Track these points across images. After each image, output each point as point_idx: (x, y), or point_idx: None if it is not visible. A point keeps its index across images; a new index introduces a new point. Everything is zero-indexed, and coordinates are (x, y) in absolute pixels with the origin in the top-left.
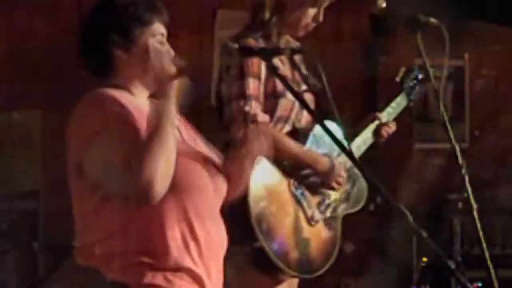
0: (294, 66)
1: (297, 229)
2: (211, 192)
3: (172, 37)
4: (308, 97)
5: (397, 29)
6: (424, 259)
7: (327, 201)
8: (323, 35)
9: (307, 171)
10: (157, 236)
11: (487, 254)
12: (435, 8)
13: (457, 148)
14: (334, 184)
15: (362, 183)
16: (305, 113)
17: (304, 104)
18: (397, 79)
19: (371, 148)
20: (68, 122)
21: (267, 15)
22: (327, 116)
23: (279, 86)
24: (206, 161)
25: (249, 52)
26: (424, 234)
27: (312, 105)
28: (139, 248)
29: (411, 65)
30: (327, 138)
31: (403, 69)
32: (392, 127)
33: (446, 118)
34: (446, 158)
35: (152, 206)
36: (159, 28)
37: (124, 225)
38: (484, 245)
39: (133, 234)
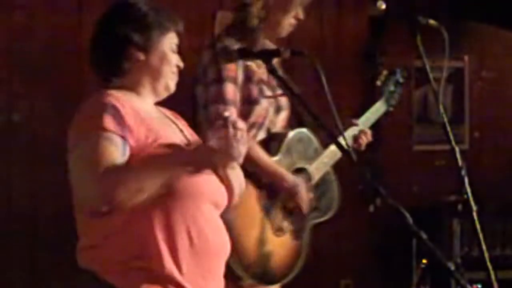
0: (271, 70)
1: (262, 240)
2: (213, 199)
3: None
4: (283, 102)
5: (397, 30)
6: (424, 261)
7: (295, 211)
8: (323, 37)
9: (277, 192)
10: (156, 241)
11: (486, 255)
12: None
13: (457, 150)
14: (294, 205)
15: (333, 191)
16: (280, 117)
17: (305, 106)
18: (378, 83)
19: (371, 151)
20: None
21: (255, 21)
22: (302, 121)
23: (254, 92)
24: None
25: (249, 54)
26: (424, 236)
27: (287, 110)
28: (136, 253)
29: (393, 69)
30: (299, 146)
31: (384, 73)
32: (368, 136)
33: (446, 119)
34: (446, 160)
35: (153, 210)
36: (174, 38)
37: (118, 231)
38: (484, 247)
39: (128, 240)
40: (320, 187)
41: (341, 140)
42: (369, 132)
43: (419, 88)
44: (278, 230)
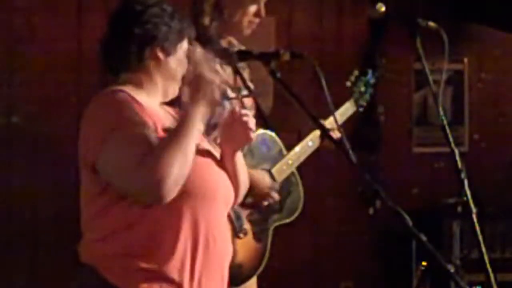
0: (236, 71)
1: None
2: (222, 199)
3: None
4: (248, 102)
5: (396, 33)
6: (424, 263)
7: (257, 213)
8: (323, 39)
9: None
10: (166, 239)
11: (486, 257)
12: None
13: (457, 152)
14: (262, 204)
15: (297, 193)
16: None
17: (303, 107)
18: (348, 83)
19: (371, 153)
20: (81, 122)
21: (206, 20)
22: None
23: (195, 55)
24: (218, 164)
25: (247, 56)
26: (423, 238)
27: (252, 110)
28: (141, 251)
29: (364, 69)
30: (262, 148)
31: (355, 73)
32: (338, 134)
33: (445, 122)
34: (445, 162)
35: (163, 210)
36: (186, 43)
37: (129, 226)
38: (484, 249)
39: (137, 237)
40: (283, 189)
41: (339, 141)
42: (337, 132)
43: (419, 90)
44: (240, 232)
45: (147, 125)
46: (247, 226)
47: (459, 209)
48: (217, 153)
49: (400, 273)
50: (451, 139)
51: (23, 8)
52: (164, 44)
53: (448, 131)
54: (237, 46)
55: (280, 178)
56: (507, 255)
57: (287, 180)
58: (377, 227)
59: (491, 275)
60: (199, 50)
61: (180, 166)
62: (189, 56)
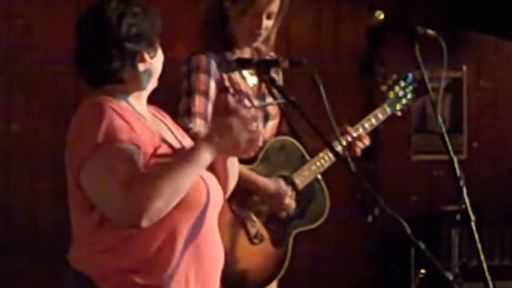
0: (262, 78)
1: (235, 248)
2: (213, 206)
3: (168, 49)
4: (273, 111)
5: (395, 40)
6: (422, 271)
7: (276, 218)
8: (321, 47)
9: (253, 200)
10: (161, 255)
11: (485, 265)
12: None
13: (455, 160)
14: (279, 210)
15: (321, 200)
16: (268, 126)
17: (303, 115)
18: (384, 87)
19: (369, 161)
20: (68, 132)
21: (211, 29)
22: (293, 129)
23: (232, 103)
24: (208, 170)
25: (247, 63)
26: (422, 246)
27: (276, 119)
28: (138, 267)
29: (404, 73)
30: (281, 154)
31: (394, 77)
32: (365, 141)
33: (444, 129)
34: (444, 170)
35: (159, 225)
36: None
37: (122, 242)
38: (482, 257)
39: (131, 252)
40: (305, 195)
41: (338, 149)
42: (366, 137)
43: (418, 98)
44: (255, 238)
45: (134, 144)
46: (262, 232)
47: (458, 217)
48: None
49: (398, 281)
50: (450, 147)
51: (22, 15)
52: (149, 45)
53: (447, 138)
54: (265, 53)
55: (302, 184)
56: (506, 262)
57: (310, 186)
58: (375, 235)
59: (490, 283)
60: (232, 99)
61: (166, 201)
62: (223, 105)
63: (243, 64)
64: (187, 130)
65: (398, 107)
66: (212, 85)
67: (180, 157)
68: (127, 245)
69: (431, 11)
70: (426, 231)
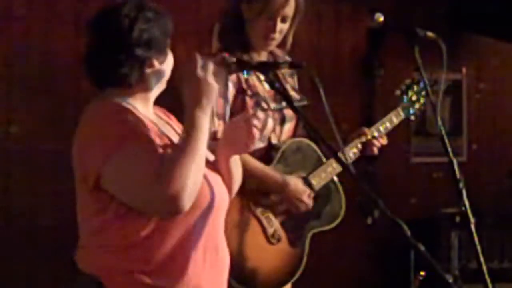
0: (278, 80)
1: (254, 248)
2: (220, 206)
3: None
4: (289, 113)
5: (395, 43)
6: (422, 273)
7: (293, 219)
8: (321, 49)
9: (271, 198)
10: (175, 257)
11: (484, 268)
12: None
13: (455, 162)
14: (295, 209)
15: (337, 201)
16: (285, 128)
17: (303, 118)
18: (397, 92)
19: (369, 163)
20: (77, 135)
21: (229, 30)
22: (311, 130)
23: (250, 104)
24: (214, 171)
25: (247, 65)
26: (422, 248)
27: (293, 120)
28: (148, 267)
29: (417, 78)
30: (297, 156)
31: (406, 82)
32: (382, 141)
33: (443, 132)
34: (443, 172)
35: (169, 226)
36: (169, 39)
37: (135, 242)
38: (482, 259)
39: (143, 252)
40: (322, 196)
41: (338, 153)
42: (384, 137)
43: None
44: (272, 238)
45: (152, 137)
46: (280, 232)
47: (458, 219)
48: (209, 154)
49: (398, 283)
50: (449, 149)
51: (22, 18)
52: (158, 52)
53: (446, 141)
54: (281, 56)
55: (318, 185)
56: (506, 265)
57: (326, 188)
58: (375, 237)
59: (490, 285)
60: (249, 101)
61: (194, 176)
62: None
63: (243, 65)
64: None
65: (411, 111)
66: (230, 87)
67: (184, 133)
68: (137, 247)
69: (431, 13)
70: (426, 234)
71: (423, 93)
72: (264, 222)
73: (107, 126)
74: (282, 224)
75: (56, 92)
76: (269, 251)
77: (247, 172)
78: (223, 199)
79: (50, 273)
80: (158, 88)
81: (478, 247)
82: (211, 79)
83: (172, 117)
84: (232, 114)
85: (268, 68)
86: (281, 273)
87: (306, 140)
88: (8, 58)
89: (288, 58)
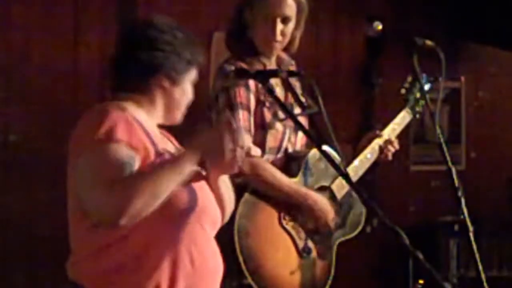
0: (288, 87)
1: (287, 262)
2: (209, 219)
3: None
4: (302, 120)
5: (393, 51)
6: (421, 281)
7: (320, 231)
8: (320, 57)
9: (301, 215)
10: (148, 259)
11: (483, 276)
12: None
13: (454, 170)
14: (324, 227)
15: (358, 208)
16: (299, 136)
17: (301, 128)
18: (402, 91)
19: (368, 171)
20: (69, 139)
21: (234, 36)
22: (323, 139)
23: (268, 116)
24: (205, 184)
25: (245, 74)
26: (421, 256)
27: (305, 127)
28: (124, 270)
29: (417, 74)
30: (320, 165)
31: (409, 79)
32: (395, 144)
33: (442, 140)
34: (442, 180)
35: (150, 230)
36: (195, 72)
37: (110, 246)
38: (480, 267)
39: (119, 256)
40: (345, 204)
41: (335, 158)
42: (395, 141)
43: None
44: (303, 251)
45: (133, 148)
46: (309, 245)
47: (456, 227)
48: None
49: None
50: (448, 157)
51: (20, 27)
52: (171, 73)
53: (445, 149)
54: (287, 64)
55: (340, 193)
56: (504, 273)
57: (348, 195)
58: (374, 245)
59: None
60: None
61: (145, 203)
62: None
63: (241, 74)
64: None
65: (417, 109)
66: (252, 98)
67: (163, 162)
68: (112, 250)
69: (430, 22)
70: (425, 242)
71: (424, 90)
72: (295, 236)
73: (88, 127)
74: (311, 237)
75: (54, 101)
76: (301, 265)
77: (275, 187)
78: (212, 212)
79: (47, 281)
80: (169, 109)
81: (477, 255)
82: (227, 144)
83: (172, 138)
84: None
85: (267, 77)
86: (315, 284)
87: (326, 148)
88: (7, 67)
89: (293, 62)
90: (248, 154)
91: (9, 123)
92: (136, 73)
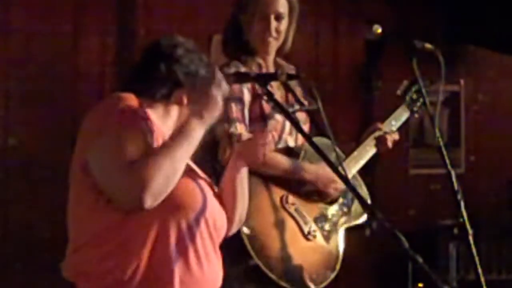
0: (288, 88)
1: (293, 244)
2: (213, 225)
3: None
4: (301, 116)
5: (393, 54)
6: (420, 285)
7: (325, 215)
8: (319, 60)
9: (306, 188)
10: (135, 252)
11: (482, 279)
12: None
13: (453, 174)
14: (334, 192)
15: (362, 194)
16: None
17: (297, 127)
18: (398, 92)
19: (367, 174)
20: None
21: (230, 39)
22: (323, 132)
23: (267, 108)
24: (213, 192)
25: (245, 77)
26: (420, 260)
27: (306, 125)
28: (112, 263)
29: (414, 78)
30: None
31: (405, 83)
32: (395, 136)
33: (442, 143)
34: (442, 184)
35: (145, 223)
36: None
37: (103, 237)
38: (480, 271)
39: (110, 247)
40: (348, 192)
41: (334, 161)
42: (396, 132)
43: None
44: (308, 234)
45: (150, 130)
46: (314, 227)
47: (456, 230)
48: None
49: None
50: (447, 161)
51: (20, 31)
52: (191, 91)
53: (444, 152)
54: (287, 66)
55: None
56: (504, 276)
57: (353, 181)
58: (373, 249)
59: None
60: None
61: (165, 176)
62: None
63: (241, 77)
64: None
65: (415, 108)
66: (245, 91)
67: (174, 136)
68: (104, 241)
69: (429, 25)
70: (424, 245)
71: (421, 92)
72: (299, 219)
73: (107, 110)
74: (315, 221)
75: (54, 105)
76: (308, 248)
77: (274, 165)
78: (215, 216)
79: (48, 283)
80: (181, 122)
81: (476, 259)
82: (219, 96)
83: None
84: (250, 119)
85: (266, 80)
86: (324, 268)
87: (324, 139)
88: (6, 70)
89: (292, 67)
90: (240, 139)
91: (9, 127)
92: (162, 83)
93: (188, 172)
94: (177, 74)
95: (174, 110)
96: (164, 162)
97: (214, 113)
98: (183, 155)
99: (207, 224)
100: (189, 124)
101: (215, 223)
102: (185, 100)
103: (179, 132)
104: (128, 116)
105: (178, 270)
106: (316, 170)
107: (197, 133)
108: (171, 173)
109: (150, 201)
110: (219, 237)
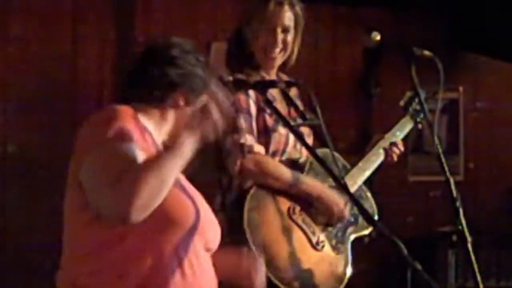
0: (290, 102)
1: (302, 254)
2: (206, 236)
3: None
4: (305, 131)
5: (392, 61)
6: None
7: (332, 226)
8: (318, 67)
9: (313, 209)
10: (134, 268)
11: (481, 287)
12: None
13: (452, 181)
14: (337, 220)
15: (369, 206)
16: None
17: (298, 137)
18: (401, 103)
19: (365, 182)
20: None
21: (234, 51)
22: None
23: (270, 121)
24: (207, 206)
25: (244, 85)
26: (419, 267)
27: (310, 138)
28: (109, 277)
29: (417, 90)
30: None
31: (408, 94)
32: (400, 147)
33: (440, 150)
34: (440, 191)
35: (138, 235)
36: (204, 97)
37: (97, 251)
38: (479, 278)
39: (105, 262)
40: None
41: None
42: (400, 143)
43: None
44: (316, 245)
45: (138, 146)
46: (323, 238)
47: (454, 237)
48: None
49: None
50: (446, 168)
51: (18, 37)
52: (188, 93)
53: (443, 159)
54: (287, 78)
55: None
56: (503, 283)
57: (357, 194)
58: (372, 256)
59: None
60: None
61: (151, 190)
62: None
63: (240, 85)
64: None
65: (418, 119)
66: (252, 103)
67: (164, 150)
68: (97, 256)
69: (428, 32)
70: (423, 252)
71: (423, 103)
72: (307, 230)
73: (99, 125)
74: (323, 231)
75: (53, 111)
76: (316, 257)
77: (280, 180)
78: (208, 229)
79: None
80: (174, 129)
81: (475, 266)
82: (214, 110)
83: None
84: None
85: (265, 87)
86: (333, 278)
87: (328, 150)
88: (5, 77)
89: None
90: (251, 151)
91: (8, 133)
92: (155, 87)
93: (180, 185)
94: (170, 76)
95: (171, 114)
96: (150, 176)
97: (207, 127)
98: (172, 168)
99: (200, 236)
100: (180, 137)
101: (208, 234)
102: (181, 102)
103: (170, 147)
104: (117, 135)
105: (173, 284)
106: (322, 191)
107: (188, 146)
108: (157, 187)
109: (135, 215)
110: (213, 247)
